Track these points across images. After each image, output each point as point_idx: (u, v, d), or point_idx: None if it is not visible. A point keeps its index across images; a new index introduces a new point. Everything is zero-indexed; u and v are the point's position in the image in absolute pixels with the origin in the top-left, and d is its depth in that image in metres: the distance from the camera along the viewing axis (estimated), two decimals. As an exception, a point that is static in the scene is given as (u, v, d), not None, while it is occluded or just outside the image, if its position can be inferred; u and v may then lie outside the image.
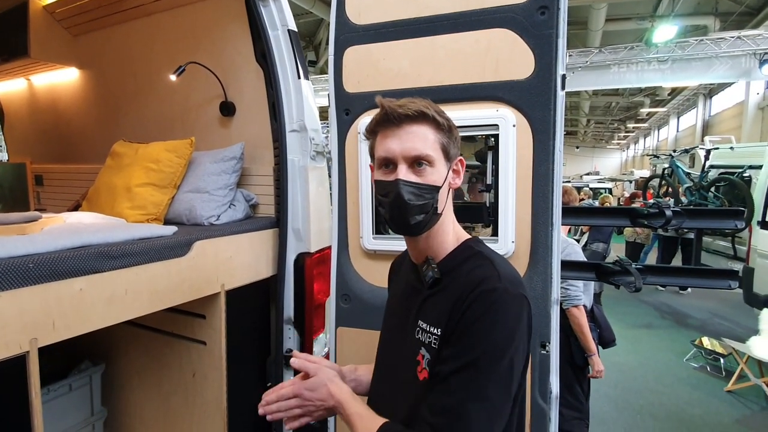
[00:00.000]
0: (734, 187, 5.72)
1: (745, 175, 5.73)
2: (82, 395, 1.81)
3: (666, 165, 7.59)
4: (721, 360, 4.08)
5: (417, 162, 0.80)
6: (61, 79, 2.57)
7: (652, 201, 7.33)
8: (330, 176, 1.62)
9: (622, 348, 4.37)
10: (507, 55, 1.23)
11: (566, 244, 2.33)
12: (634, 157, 30.15)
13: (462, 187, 1.45)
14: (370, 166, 0.90)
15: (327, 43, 1.49)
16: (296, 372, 0.91)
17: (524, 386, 0.81)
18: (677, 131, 20.74)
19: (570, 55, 9.74)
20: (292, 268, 1.75)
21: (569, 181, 16.50)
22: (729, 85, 13.89)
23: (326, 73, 1.49)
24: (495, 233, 1.30)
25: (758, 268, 4.80)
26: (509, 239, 1.25)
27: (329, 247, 1.65)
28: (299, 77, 1.73)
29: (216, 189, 1.80)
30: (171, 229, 1.50)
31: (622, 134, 29.75)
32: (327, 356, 1.78)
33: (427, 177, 0.81)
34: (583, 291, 2.40)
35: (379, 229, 1.43)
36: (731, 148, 6.54)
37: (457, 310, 0.76)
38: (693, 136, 17.08)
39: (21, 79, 2.76)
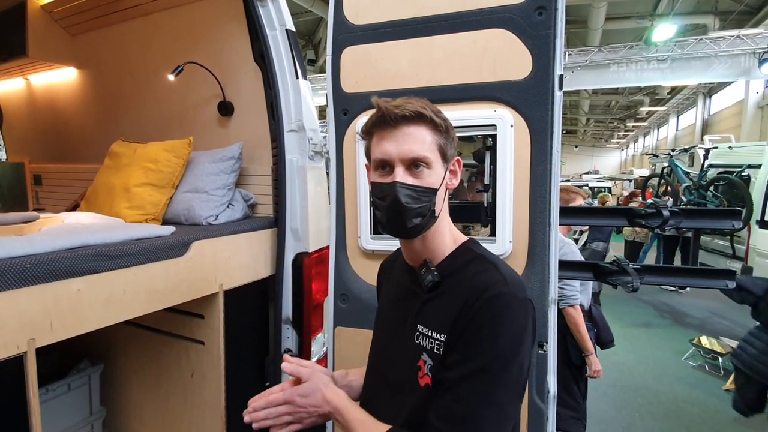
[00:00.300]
0: (733, 186, 5.73)
1: (744, 174, 5.73)
2: (81, 395, 1.81)
3: (665, 164, 7.60)
4: (720, 359, 4.09)
5: (414, 164, 0.79)
6: (59, 79, 2.57)
7: (650, 200, 7.35)
8: (328, 176, 1.62)
9: (621, 347, 4.38)
10: (505, 56, 1.22)
11: (563, 244, 2.32)
12: (634, 156, 30.17)
13: (462, 186, 1.45)
14: (366, 166, 0.89)
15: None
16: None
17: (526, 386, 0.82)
18: (677, 130, 20.76)
19: (569, 54, 9.74)
20: (290, 268, 1.75)
21: (568, 180, 16.54)
22: (728, 84, 13.89)
23: (325, 72, 1.48)
24: (493, 233, 1.30)
25: (757, 267, 4.81)
26: (507, 239, 1.25)
27: (327, 247, 1.65)
28: (297, 77, 1.73)
29: (214, 189, 1.80)
30: (169, 229, 1.50)
31: (622, 133, 29.75)
32: (325, 355, 1.79)
33: (424, 179, 0.79)
34: (581, 291, 2.39)
35: (377, 229, 1.43)
36: (730, 147, 6.54)
37: (464, 315, 0.75)
38: (692, 135, 17.08)
39: (19, 79, 2.76)
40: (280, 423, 0.82)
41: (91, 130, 2.51)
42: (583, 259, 2.61)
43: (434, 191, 0.80)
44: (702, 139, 9.51)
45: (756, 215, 4.95)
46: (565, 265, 1.88)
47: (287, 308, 1.76)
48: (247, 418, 0.83)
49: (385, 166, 0.81)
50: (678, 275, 1.87)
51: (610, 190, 16.06)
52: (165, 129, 2.14)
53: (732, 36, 8.74)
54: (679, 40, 9.22)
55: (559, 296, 2.23)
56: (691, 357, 4.36)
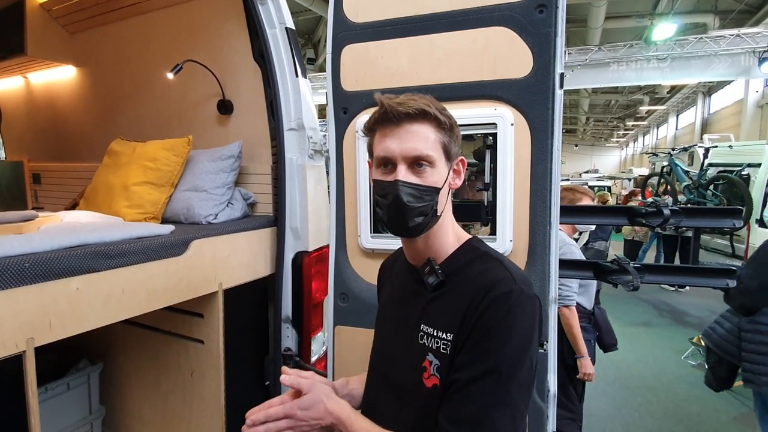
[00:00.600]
0: (733, 185, 5.73)
1: (743, 173, 5.74)
2: (80, 394, 1.81)
3: (665, 163, 7.60)
4: (719, 358, 4.09)
5: (417, 162, 0.77)
6: (58, 77, 2.56)
7: (650, 199, 7.35)
8: (328, 175, 1.62)
9: (621, 346, 4.33)
10: (505, 54, 1.22)
11: (563, 244, 2.28)
12: (633, 155, 30.17)
13: (463, 184, 1.45)
14: (369, 162, 0.87)
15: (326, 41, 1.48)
16: None
17: None
18: (676, 129, 20.76)
19: (569, 53, 9.74)
20: (290, 267, 1.75)
21: (568, 179, 16.55)
22: (728, 83, 13.89)
23: (325, 71, 1.48)
24: (493, 232, 1.30)
25: (756, 266, 4.80)
26: (507, 238, 1.25)
27: (327, 246, 1.65)
28: (297, 75, 1.73)
29: (214, 188, 1.80)
30: (168, 228, 1.49)
31: (621, 132, 29.76)
32: (325, 354, 1.78)
33: (427, 178, 0.78)
34: (582, 292, 2.35)
35: (377, 227, 1.42)
36: (730, 146, 6.55)
37: (471, 314, 0.74)
38: (692, 134, 17.08)
39: (18, 77, 2.75)
40: None
41: (90, 129, 2.51)
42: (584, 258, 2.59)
43: (437, 190, 0.79)
44: (702, 138, 9.52)
45: (756, 214, 4.95)
46: (565, 264, 1.87)
47: (287, 307, 1.75)
48: None
49: (387, 163, 0.80)
50: (678, 274, 1.87)
51: (609, 189, 16.05)
52: (164, 127, 2.13)
53: (732, 35, 8.74)
54: (679, 39, 9.22)
55: (557, 295, 2.22)
56: (690, 356, 4.37)
